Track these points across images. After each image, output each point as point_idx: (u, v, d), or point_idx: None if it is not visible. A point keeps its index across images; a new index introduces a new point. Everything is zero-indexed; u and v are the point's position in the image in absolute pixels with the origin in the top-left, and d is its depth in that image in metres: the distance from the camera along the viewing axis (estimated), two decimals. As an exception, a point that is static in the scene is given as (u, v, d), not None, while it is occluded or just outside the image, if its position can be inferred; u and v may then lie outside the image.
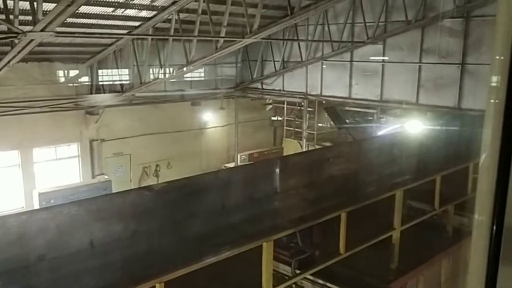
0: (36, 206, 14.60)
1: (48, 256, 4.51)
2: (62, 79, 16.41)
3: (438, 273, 6.87)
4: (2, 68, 9.99)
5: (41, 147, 16.22)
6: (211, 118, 20.94)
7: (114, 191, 14.86)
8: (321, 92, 18.41)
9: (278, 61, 19.18)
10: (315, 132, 19.95)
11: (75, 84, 16.63)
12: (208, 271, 4.22)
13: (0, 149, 15.17)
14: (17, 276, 4.34)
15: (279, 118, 22.71)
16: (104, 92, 16.65)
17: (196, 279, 4.39)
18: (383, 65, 16.19)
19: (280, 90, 19.93)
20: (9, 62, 9.73)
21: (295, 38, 18.04)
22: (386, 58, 16.06)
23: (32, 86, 15.29)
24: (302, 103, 19.56)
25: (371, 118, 18.51)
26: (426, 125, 13.58)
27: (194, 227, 5.83)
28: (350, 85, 17.29)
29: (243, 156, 20.71)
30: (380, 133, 16.60)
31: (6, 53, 9.49)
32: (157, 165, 19.50)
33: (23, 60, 12.20)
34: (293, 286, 5.30)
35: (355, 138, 17.27)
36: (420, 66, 15.13)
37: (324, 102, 19.15)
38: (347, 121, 20.02)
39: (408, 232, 6.27)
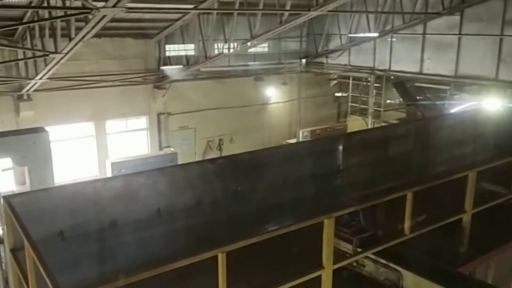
0: (109, 174, 15.55)
1: (119, 221, 4.78)
2: (132, 54, 17.04)
3: (510, 260, 6.47)
4: (77, 43, 10.53)
5: (113, 119, 17.12)
6: (273, 94, 20.88)
7: (179, 163, 15.43)
8: (389, 67, 17.66)
9: (345, 34, 18.57)
10: (381, 109, 19.24)
11: (144, 59, 17.23)
12: (267, 245, 4.26)
13: (77, 121, 16.22)
14: (92, 240, 4.65)
15: (344, 94, 22.12)
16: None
17: (255, 252, 4.45)
18: (459, 38, 15.13)
19: (345, 64, 19.36)
20: (83, 37, 10.22)
21: (364, 10, 17.30)
22: (462, 30, 14.99)
23: (105, 61, 16.07)
24: (369, 79, 18.90)
25: (444, 95, 17.46)
26: (506, 103, 12.59)
27: (255, 201, 5.90)
28: (422, 60, 16.41)
29: (305, 133, 20.53)
30: (453, 111, 15.67)
31: (80, 29, 9.98)
32: (220, 139, 19.91)
33: (97, 35, 12.79)
34: (354, 264, 5.24)
35: (426, 116, 16.44)
36: (501, 39, 13.98)
37: (392, 77, 18.35)
38: (417, 97, 19.06)
39: (480, 215, 5.91)
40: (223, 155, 17.28)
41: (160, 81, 17.47)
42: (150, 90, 17.67)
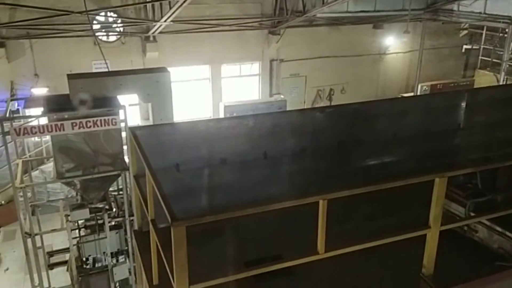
0: (221, 117, 16.33)
1: (228, 160, 5.03)
2: (249, -1, 17.09)
3: None
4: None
5: (228, 63, 17.67)
6: (392, 43, 19.57)
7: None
8: (533, 16, 15.32)
9: (482, -23, 16.39)
10: (517, 65, 17.00)
11: (260, 4, 17.20)
12: (371, 201, 4.16)
13: (195, 63, 17.06)
14: (203, 174, 4.99)
15: (474, 47, 19.89)
16: (287, 13, 16.86)
17: (357, 206, 4.39)
18: None
19: (480, 13, 17.21)
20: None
21: None
22: None
23: (223, 5, 16.38)
24: (506, 30, 16.66)
25: None
26: None
27: (362, 154, 5.75)
28: None
29: (424, 87, 19.11)
30: None
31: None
32: (331, 89, 19.51)
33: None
34: (465, 228, 4.91)
35: None
36: None
37: (535, 28, 15.96)
38: None
39: None
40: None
41: (275, 26, 17.40)
42: (265, 35, 17.73)
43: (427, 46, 19.26)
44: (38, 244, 8.69)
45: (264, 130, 5.27)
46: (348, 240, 3.74)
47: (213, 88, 17.64)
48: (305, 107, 18.52)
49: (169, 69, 8.72)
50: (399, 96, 18.22)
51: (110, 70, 10.92)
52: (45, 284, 9.08)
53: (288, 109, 16.57)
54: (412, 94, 19.18)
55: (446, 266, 4.17)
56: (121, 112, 7.89)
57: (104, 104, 7.87)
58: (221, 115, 16.53)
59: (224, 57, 17.29)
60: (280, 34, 17.49)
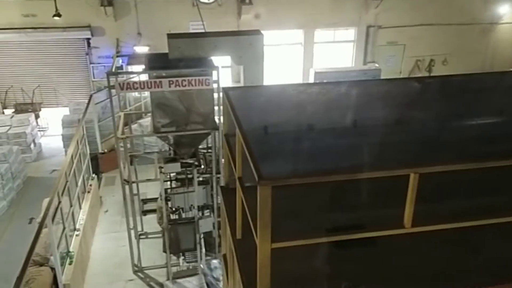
0: (311, 83, 16.12)
1: (316, 126, 4.99)
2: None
3: None
4: None
5: (322, 28, 17.23)
6: (508, 11, 17.62)
7: (382, 80, 14.88)
8: None
9: None
10: None
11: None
12: (457, 179, 3.90)
13: (289, 27, 16.86)
14: (290, 139, 5.01)
15: None
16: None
17: (448, 182, 4.14)
18: None
19: None
20: None
21: None
22: None
23: (321, -33, 15.86)
24: None
25: None
26: None
27: (461, 129, 5.36)
28: None
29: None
30: None
31: None
32: (431, 60, 18.26)
33: None
34: None
35: None
36: None
37: None
38: None
39: None
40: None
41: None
42: (363, 0, 16.92)
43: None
44: (134, 191, 9.46)
45: (356, 98, 5.12)
46: (436, 217, 3.57)
47: (304, 53, 17.40)
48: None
49: (262, 32, 8.72)
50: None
51: (206, 31, 11.19)
52: (139, 228, 9.93)
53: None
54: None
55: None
56: (214, 73, 8.12)
57: (199, 64, 8.15)
58: (311, 82, 16.32)
59: (318, 22, 16.87)
60: (380, -1, 16.59)
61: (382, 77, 16.10)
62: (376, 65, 17.25)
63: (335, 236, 3.55)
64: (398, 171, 3.30)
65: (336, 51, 17.85)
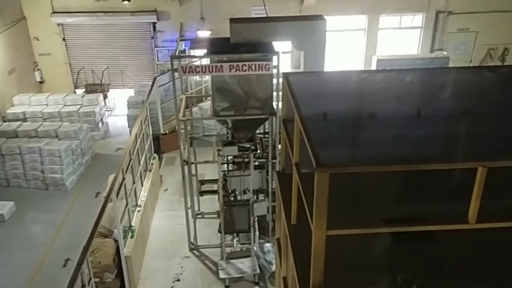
0: (373, 71, 15.63)
1: (378, 115, 4.85)
2: None
3: None
4: None
5: (387, 14, 16.59)
6: None
7: (449, 69, 14.14)
8: None
9: None
10: None
11: None
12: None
13: (352, 13, 16.41)
14: (349, 127, 4.92)
15: None
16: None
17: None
18: None
19: None
20: None
21: None
22: None
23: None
24: None
25: None
26: None
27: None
28: None
29: None
30: None
31: None
32: (505, 48, 17.08)
33: None
34: None
35: None
36: None
37: None
38: None
39: None
40: (504, 67, 14.87)
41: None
42: (433, -16, 16.09)
43: None
44: (193, 172, 9.77)
45: (422, 87, 4.92)
46: (504, 214, 3.39)
47: (367, 40, 16.88)
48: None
49: (325, 17, 8.57)
50: None
51: (268, 16, 11.18)
52: (195, 207, 10.26)
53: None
54: None
55: None
56: (274, 58, 8.11)
57: (259, 49, 8.17)
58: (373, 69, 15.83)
59: (384, 7, 16.27)
60: (452, -17, 15.68)
61: (450, 66, 15.30)
62: (444, 53, 16.39)
63: (393, 227, 3.47)
64: (464, 164, 3.16)
65: (401, 38, 17.15)
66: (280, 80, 6.83)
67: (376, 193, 4.34)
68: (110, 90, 17.13)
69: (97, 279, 7.88)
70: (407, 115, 4.93)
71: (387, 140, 4.58)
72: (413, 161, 3.20)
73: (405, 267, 3.88)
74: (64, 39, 16.67)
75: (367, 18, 16.59)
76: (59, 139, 12.62)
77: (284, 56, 14.35)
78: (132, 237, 9.02)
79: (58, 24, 16.31)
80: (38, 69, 16.68)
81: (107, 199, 7.87)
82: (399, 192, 4.35)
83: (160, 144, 13.67)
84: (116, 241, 8.55)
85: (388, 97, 5.05)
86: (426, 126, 4.91)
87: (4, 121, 13.95)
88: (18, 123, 13.29)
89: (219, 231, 9.21)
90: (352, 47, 17.01)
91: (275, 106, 8.65)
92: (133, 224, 9.34)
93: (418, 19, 16.86)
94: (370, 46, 16.86)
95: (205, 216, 10.74)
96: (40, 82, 16.89)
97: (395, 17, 16.77)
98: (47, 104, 14.87)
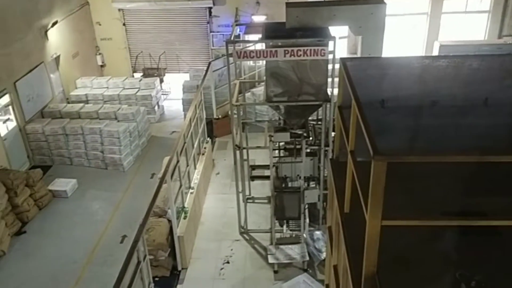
0: (434, 57, 14.91)
1: (441, 103, 4.62)
2: None
3: None
4: None
5: (453, -3, 15.72)
6: None
7: (519, 55, 13.20)
8: None
9: None
10: None
11: None
12: None
13: (414, -4, 15.68)
14: (410, 114, 4.73)
15: None
16: None
17: None
18: None
19: None
20: None
21: None
22: None
23: None
24: None
25: None
26: None
27: None
28: None
29: None
30: None
31: None
32: None
33: None
34: None
35: None
36: None
37: None
38: None
39: None
40: None
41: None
42: (505, -36, 15.01)
43: None
44: (244, 157, 9.84)
45: (489, 74, 4.62)
46: None
47: (430, 24, 16.10)
48: (543, 54, 15.40)
49: (386, 1, 8.24)
50: None
51: (325, 0, 10.91)
52: (246, 192, 10.36)
53: (519, 54, 14.07)
54: None
55: None
56: (330, 43, 7.93)
57: (315, 34, 8.01)
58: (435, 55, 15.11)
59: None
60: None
61: (520, 53, 14.29)
62: (514, 39, 15.34)
63: (452, 220, 3.31)
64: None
65: (466, 23, 16.20)
66: (336, 66, 6.67)
67: (433, 184, 4.15)
68: (166, 74, 17.56)
69: (151, 257, 8.19)
70: (471, 103, 4.66)
71: (449, 130, 4.36)
72: (474, 152, 3.01)
73: (463, 263, 3.71)
74: (124, 24, 17.24)
75: (430, 1, 15.81)
76: (118, 121, 13.14)
77: (340, 42, 14.00)
78: (185, 218, 9.28)
79: (119, 10, 16.86)
80: (99, 53, 17.39)
81: (162, 180, 8.12)
82: (458, 184, 4.15)
83: (213, 128, 13.88)
84: (169, 221, 8.83)
85: (451, 84, 4.79)
86: (492, 115, 4.63)
87: (68, 102, 14.71)
88: (81, 105, 13.97)
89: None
90: (412, 32, 16.29)
91: (329, 93, 8.48)
92: (186, 205, 9.60)
93: (486, 2, 15.83)
94: (433, 31, 16.08)
95: (256, 201, 10.82)
96: (101, 66, 17.62)
97: (460, 0, 15.84)
98: (107, 87, 15.50)
